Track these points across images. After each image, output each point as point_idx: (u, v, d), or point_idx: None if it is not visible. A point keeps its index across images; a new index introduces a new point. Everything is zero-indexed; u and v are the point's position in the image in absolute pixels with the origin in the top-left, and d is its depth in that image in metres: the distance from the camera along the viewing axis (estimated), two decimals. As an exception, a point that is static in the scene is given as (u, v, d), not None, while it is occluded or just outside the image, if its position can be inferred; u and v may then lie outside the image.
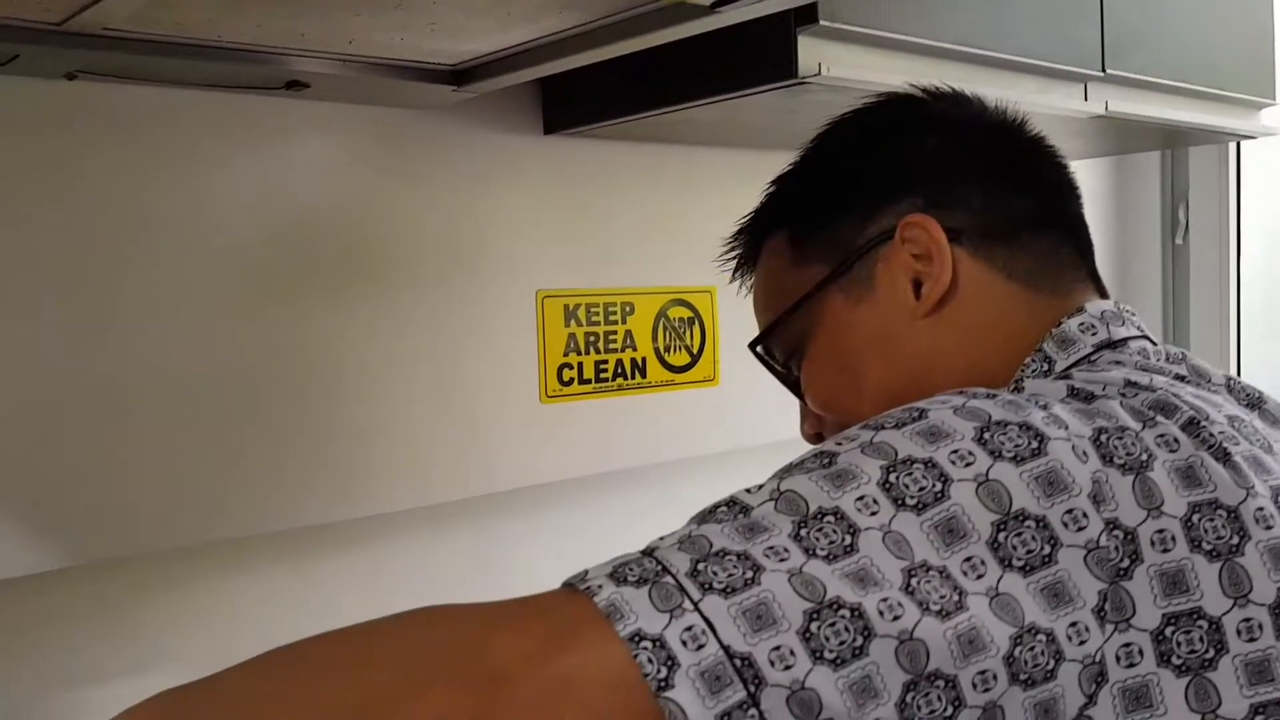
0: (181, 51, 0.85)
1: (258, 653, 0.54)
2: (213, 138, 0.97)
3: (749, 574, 0.46)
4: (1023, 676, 0.47)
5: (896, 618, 0.46)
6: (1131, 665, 0.49)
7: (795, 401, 1.39)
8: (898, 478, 0.50)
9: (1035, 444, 0.51)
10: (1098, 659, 0.49)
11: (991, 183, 0.71)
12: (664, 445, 1.25)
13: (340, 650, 0.51)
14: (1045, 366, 0.66)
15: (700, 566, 0.47)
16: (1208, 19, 1.40)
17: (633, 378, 1.21)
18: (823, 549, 0.48)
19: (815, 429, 0.79)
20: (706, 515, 0.52)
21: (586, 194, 1.19)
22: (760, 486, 0.52)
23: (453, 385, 1.09)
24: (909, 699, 0.45)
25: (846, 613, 0.45)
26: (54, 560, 0.89)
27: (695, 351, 1.27)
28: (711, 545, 0.48)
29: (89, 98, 0.91)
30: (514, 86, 1.03)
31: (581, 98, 1.14)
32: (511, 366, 1.14)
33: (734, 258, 0.83)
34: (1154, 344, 0.67)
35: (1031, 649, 0.47)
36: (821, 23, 0.95)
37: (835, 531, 0.48)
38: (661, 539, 0.50)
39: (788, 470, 0.53)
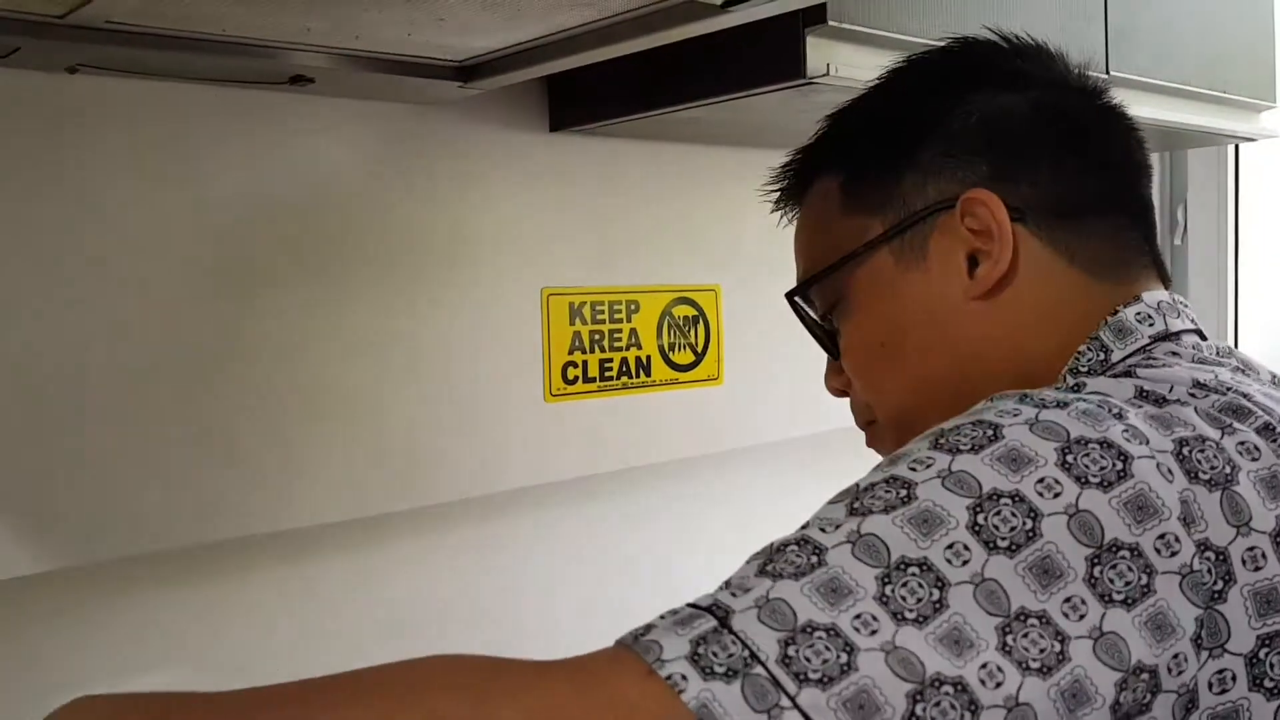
0: (185, 45, 0.84)
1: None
2: (215, 133, 0.96)
3: (843, 657, 0.43)
4: (1120, 714, 0.46)
5: (999, 684, 0.43)
6: (1224, 691, 0.48)
7: (798, 401, 1.39)
8: (986, 519, 0.47)
9: (1120, 465, 0.49)
10: (1191, 686, 0.47)
11: (1064, 155, 0.67)
12: (668, 444, 1.24)
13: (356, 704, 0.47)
14: (1101, 356, 0.63)
15: (791, 652, 0.44)
16: (1209, 21, 1.40)
17: (637, 376, 1.21)
18: (911, 610, 0.45)
19: (841, 385, 0.75)
20: (775, 556, 0.48)
21: (592, 192, 1.18)
22: (834, 524, 0.49)
23: (457, 383, 1.09)
24: None
25: (950, 689, 0.43)
26: (45, 562, 0.87)
27: (699, 350, 1.26)
28: (795, 616, 0.45)
29: (91, 91, 0.89)
30: (520, 83, 1.03)
31: (588, 95, 1.13)
32: (516, 365, 1.13)
33: (778, 191, 0.77)
34: (1204, 339, 0.65)
35: (1135, 690, 0.46)
36: (830, 23, 0.94)
37: (922, 586, 0.45)
38: (731, 592, 0.47)
39: (858, 500, 0.49)
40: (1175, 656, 0.46)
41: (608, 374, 1.19)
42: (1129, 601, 0.46)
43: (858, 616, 0.44)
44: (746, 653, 0.44)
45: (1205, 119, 1.41)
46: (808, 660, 0.43)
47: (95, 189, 0.90)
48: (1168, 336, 0.63)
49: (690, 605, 0.47)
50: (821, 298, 0.73)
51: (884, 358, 0.70)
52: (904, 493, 0.49)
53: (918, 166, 0.68)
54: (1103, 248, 0.67)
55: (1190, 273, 1.98)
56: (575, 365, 1.16)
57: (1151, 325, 0.64)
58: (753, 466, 1.43)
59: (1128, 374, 0.58)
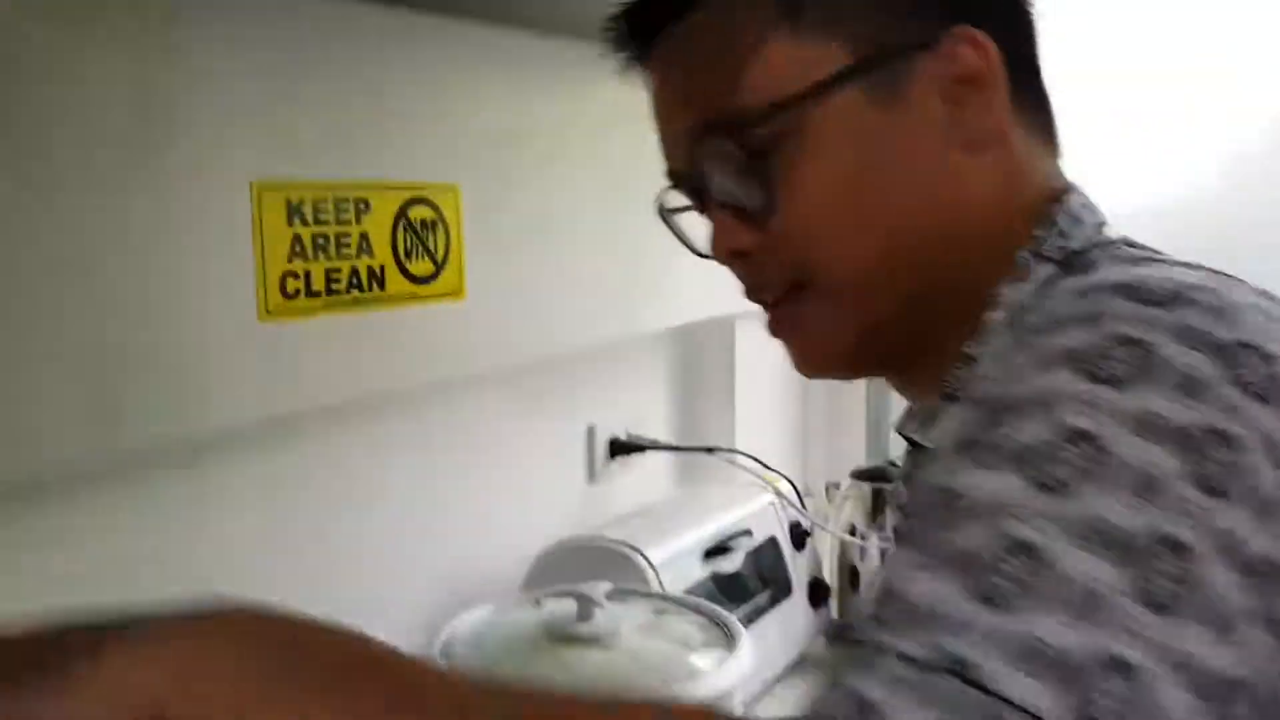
0: None
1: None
2: None
3: (1131, 693, 0.37)
4: None
5: None
6: None
7: (541, 318, 1.26)
8: (1200, 467, 0.41)
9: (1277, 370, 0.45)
10: None
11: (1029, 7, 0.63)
12: (405, 369, 1.06)
13: None
14: (1060, 242, 0.59)
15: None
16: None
17: (370, 289, 1.02)
18: (1166, 594, 0.39)
19: (748, 245, 0.62)
20: (972, 568, 0.40)
21: (314, 60, 0.96)
22: (1030, 510, 0.41)
23: (145, 303, 0.84)
24: None
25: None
26: None
27: (440, 260, 1.09)
28: (1066, 658, 0.37)
29: None
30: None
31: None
32: (219, 275, 0.90)
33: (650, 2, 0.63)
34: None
35: None
36: None
37: (1175, 569, 0.39)
38: (951, 630, 0.39)
39: (1036, 469, 0.42)
40: None
41: (335, 287, 0.99)
42: None
43: (1128, 629, 0.38)
44: None
45: None
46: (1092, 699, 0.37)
47: None
48: (1100, 226, 0.62)
49: (903, 655, 0.38)
50: (754, 137, 0.60)
51: (848, 208, 0.60)
52: (1092, 450, 0.41)
53: None
54: (1045, 114, 0.64)
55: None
56: (296, 276, 0.95)
57: (1094, 215, 0.61)
58: (498, 392, 1.30)
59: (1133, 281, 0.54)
